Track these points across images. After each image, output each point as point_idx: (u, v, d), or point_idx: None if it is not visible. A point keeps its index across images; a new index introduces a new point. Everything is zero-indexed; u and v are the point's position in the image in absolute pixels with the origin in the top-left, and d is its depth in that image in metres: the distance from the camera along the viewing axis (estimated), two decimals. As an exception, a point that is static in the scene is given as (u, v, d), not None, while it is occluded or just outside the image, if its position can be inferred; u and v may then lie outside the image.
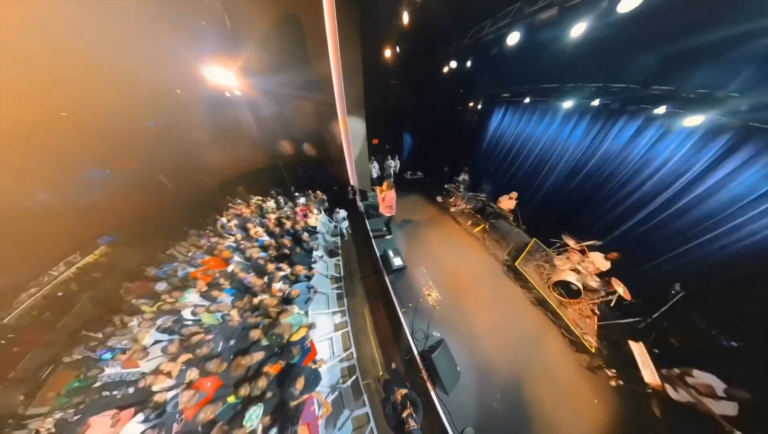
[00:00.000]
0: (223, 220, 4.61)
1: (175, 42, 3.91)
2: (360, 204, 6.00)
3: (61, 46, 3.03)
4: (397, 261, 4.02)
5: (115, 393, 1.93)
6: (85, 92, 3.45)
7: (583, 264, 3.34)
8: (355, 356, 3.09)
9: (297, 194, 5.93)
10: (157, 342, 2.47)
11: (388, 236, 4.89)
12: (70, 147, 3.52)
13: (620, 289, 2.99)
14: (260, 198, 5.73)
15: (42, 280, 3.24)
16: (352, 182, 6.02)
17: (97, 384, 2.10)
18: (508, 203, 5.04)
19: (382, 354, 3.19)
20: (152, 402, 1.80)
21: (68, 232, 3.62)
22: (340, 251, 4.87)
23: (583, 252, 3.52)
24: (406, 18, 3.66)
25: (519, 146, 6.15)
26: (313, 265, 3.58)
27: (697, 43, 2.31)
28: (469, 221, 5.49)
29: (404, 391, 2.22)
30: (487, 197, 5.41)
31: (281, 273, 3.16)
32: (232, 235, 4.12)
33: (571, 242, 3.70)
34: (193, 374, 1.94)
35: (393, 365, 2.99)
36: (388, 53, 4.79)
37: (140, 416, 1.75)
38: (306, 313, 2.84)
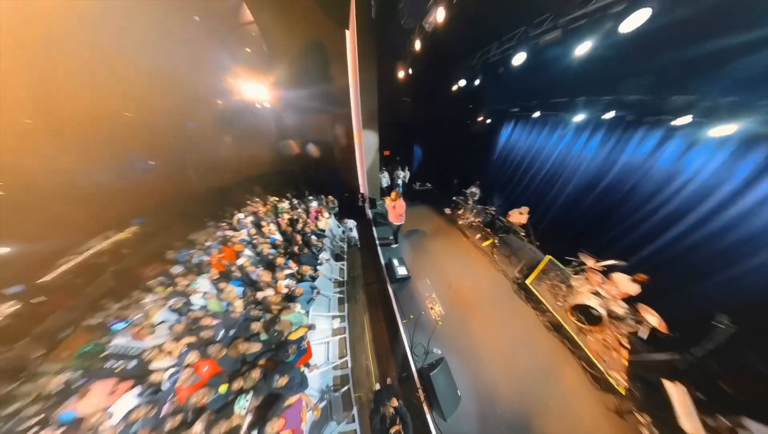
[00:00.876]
0: (240, 215, 4.96)
1: (221, 61, 4.78)
2: (369, 211, 6.13)
3: (131, 60, 3.83)
4: (401, 271, 3.94)
5: (118, 363, 2.03)
6: (147, 97, 4.27)
7: (605, 286, 3.01)
8: (349, 365, 2.96)
9: (310, 197, 6.25)
10: (164, 321, 2.59)
11: (394, 245, 4.87)
12: (126, 140, 4.27)
13: (653, 318, 2.61)
14: (276, 198, 6.11)
15: (79, 249, 3.69)
16: (362, 190, 6.24)
17: (104, 353, 2.23)
18: (518, 217, 4.83)
19: (377, 366, 3.01)
20: (150, 378, 1.85)
21: (110, 210, 4.27)
22: (345, 256, 4.91)
23: (604, 273, 3.19)
24: (418, 45, 4.09)
25: (530, 160, 6.02)
26: (318, 266, 3.64)
27: (719, 48, 2.15)
28: (478, 235, 5.31)
29: (396, 404, 2.06)
30: (497, 211, 5.24)
31: (288, 271, 3.24)
32: (247, 229, 4.38)
33: (589, 262, 3.38)
34: (193, 356, 1.98)
35: (388, 380, 2.80)
36: (401, 74, 5.29)
37: (137, 390, 1.80)
38: (307, 313, 2.84)
